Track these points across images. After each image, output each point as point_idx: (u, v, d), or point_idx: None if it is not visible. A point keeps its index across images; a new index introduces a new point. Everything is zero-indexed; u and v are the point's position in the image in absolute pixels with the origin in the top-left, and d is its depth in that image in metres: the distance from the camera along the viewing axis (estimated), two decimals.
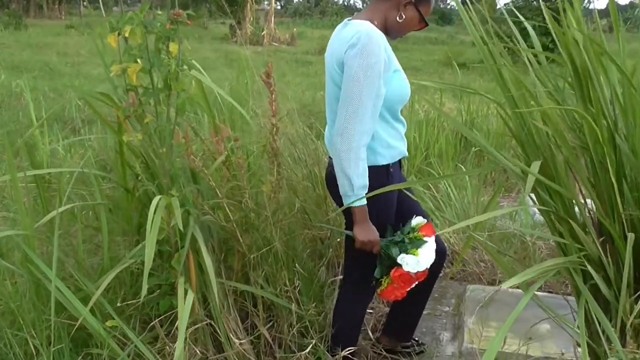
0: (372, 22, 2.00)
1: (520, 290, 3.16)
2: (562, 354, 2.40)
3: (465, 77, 13.02)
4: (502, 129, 5.28)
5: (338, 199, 2.09)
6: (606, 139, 1.61)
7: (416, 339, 2.67)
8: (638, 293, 1.73)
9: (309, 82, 10.82)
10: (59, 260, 2.06)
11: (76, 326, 1.92)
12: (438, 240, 2.30)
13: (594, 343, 1.94)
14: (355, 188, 1.94)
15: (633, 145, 1.69)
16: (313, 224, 2.80)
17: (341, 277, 2.57)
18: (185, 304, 1.88)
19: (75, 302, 1.89)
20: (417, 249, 2.04)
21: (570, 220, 1.73)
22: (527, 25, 2.14)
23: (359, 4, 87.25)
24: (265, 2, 32.87)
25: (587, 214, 1.81)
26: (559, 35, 1.71)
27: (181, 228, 1.89)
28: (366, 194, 1.96)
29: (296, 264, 2.54)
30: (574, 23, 1.83)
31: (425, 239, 2.07)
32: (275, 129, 2.48)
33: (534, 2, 18.15)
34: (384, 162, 2.07)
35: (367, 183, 1.96)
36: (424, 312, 2.96)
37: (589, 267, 1.66)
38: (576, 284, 1.78)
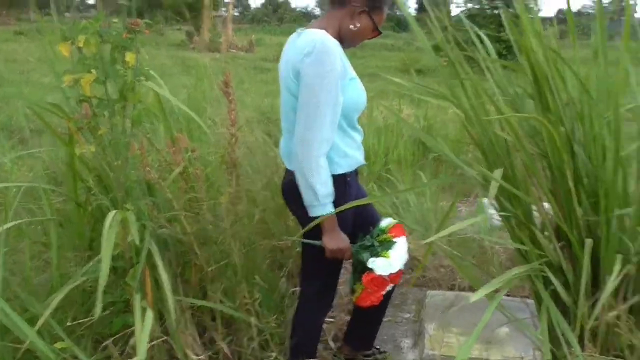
0: (326, 30, 1.98)
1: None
2: (522, 357, 2.42)
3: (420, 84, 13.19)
4: (460, 135, 5.35)
5: (296, 209, 2.07)
6: (564, 145, 1.62)
7: (377, 347, 2.65)
8: (595, 297, 1.75)
9: (268, 89, 10.75)
10: (4, 279, 1.97)
11: (22, 349, 1.83)
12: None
13: (553, 347, 1.96)
14: (321, 197, 1.92)
15: (589, 152, 1.71)
16: (274, 235, 2.77)
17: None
18: (145, 322, 1.81)
19: (22, 323, 1.80)
20: (387, 251, 2.02)
21: (532, 227, 1.74)
22: (481, 33, 2.15)
23: (317, 11, 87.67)
24: (223, 9, 32.72)
25: (547, 220, 1.83)
26: (518, 42, 1.72)
27: (137, 243, 1.83)
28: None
29: (256, 276, 2.50)
30: (530, 30, 1.84)
31: (394, 239, 2.06)
32: (234, 139, 2.44)
33: (487, 10, 18.54)
34: (341, 172, 2.05)
35: (332, 191, 1.95)
36: (385, 320, 2.95)
37: (549, 274, 1.67)
38: (537, 289, 1.80)
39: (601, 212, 1.68)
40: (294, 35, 2.08)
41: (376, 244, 2.04)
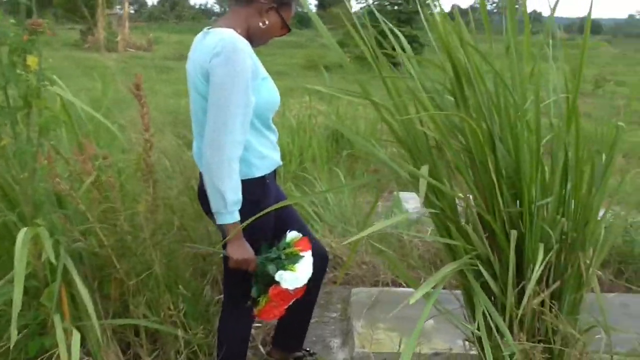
0: (234, 29, 1.91)
1: (403, 289, 3.25)
2: (450, 349, 2.47)
3: (329, 80, 13.31)
4: (371, 131, 5.44)
5: (210, 214, 2.01)
6: (486, 141, 1.66)
7: (307, 349, 2.63)
8: (520, 286, 1.81)
9: (172, 89, 10.47)
10: None
11: None
12: (319, 245, 2.29)
13: (482, 337, 2.01)
14: (229, 204, 1.85)
15: (508, 145, 1.76)
16: (193, 242, 2.67)
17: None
18: (73, 344, 1.68)
19: None
20: (294, 265, 1.99)
21: (460, 221, 1.77)
22: (396, 30, 2.16)
23: (216, 8, 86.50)
24: (118, 7, 31.48)
25: (471, 214, 1.86)
26: (439, 39, 1.74)
27: (53, 261, 1.69)
28: (244, 208, 1.89)
29: (179, 286, 2.40)
30: (440, 26, 1.86)
31: (301, 253, 2.02)
32: (149, 144, 2.33)
33: (387, 6, 18.98)
34: (259, 174, 1.99)
35: (241, 198, 1.88)
36: (312, 321, 2.94)
37: (481, 267, 1.71)
38: (466, 282, 1.83)
39: (524, 203, 1.73)
40: (200, 35, 2.00)
41: (283, 256, 1.99)
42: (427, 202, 1.96)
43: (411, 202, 4.46)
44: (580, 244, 1.77)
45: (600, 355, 1.82)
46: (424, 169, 1.73)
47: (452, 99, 1.86)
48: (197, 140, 2.04)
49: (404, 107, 1.91)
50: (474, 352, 2.12)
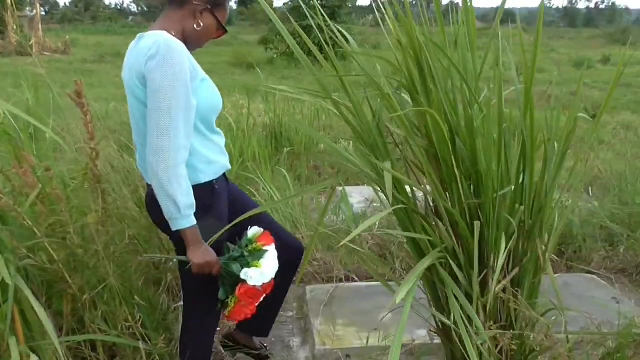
0: (168, 32, 1.86)
1: (356, 283, 3.28)
2: (414, 340, 2.51)
3: (256, 77, 13.23)
4: (311, 126, 5.47)
5: (160, 224, 1.96)
6: (448, 135, 1.69)
7: (265, 345, 2.60)
8: (483, 274, 1.86)
9: (95, 93, 10.12)
10: None
11: None
12: (291, 238, 2.31)
13: (444, 327, 2.06)
14: (182, 208, 1.79)
15: (466, 138, 1.80)
16: (145, 252, 2.60)
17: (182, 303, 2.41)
18: None
19: None
20: (258, 261, 1.95)
21: (427, 216, 1.80)
22: (343, 30, 2.17)
23: (133, 8, 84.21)
24: (28, 9, 30.10)
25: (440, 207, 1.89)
26: (401, 34, 1.76)
27: (9, 282, 1.60)
28: (196, 215, 1.85)
29: (135, 296, 2.33)
30: (391, 23, 1.88)
31: (265, 248, 2.00)
32: (95, 153, 2.24)
33: (311, 1, 19.04)
34: (207, 179, 1.94)
35: (194, 201, 1.83)
36: None
37: (450, 259, 1.74)
38: (433, 274, 1.87)
39: (485, 194, 1.77)
40: (134, 41, 1.93)
41: (246, 254, 1.96)
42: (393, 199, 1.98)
43: (355, 196, 4.51)
44: (537, 230, 1.84)
45: (560, 336, 1.90)
46: (387, 165, 1.75)
47: (408, 94, 1.90)
48: (140, 151, 1.96)
49: (359, 104, 1.93)
50: (437, 341, 2.18)
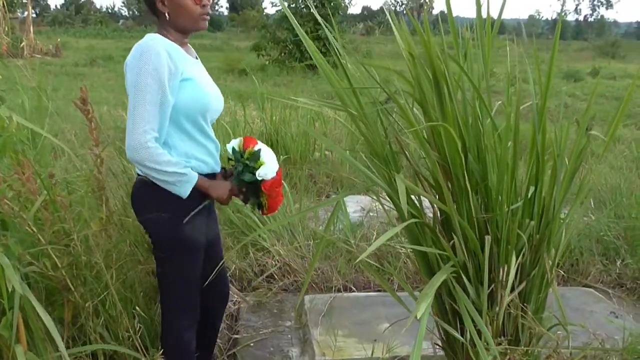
0: (160, 33, 1.97)
1: (355, 294, 3.28)
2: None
3: (249, 84, 13.20)
4: (303, 133, 5.47)
5: (144, 214, 2.01)
6: (462, 150, 1.70)
7: None
8: (491, 288, 1.86)
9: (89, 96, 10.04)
10: None
11: None
12: (223, 282, 2.34)
13: (449, 339, 2.07)
14: (178, 168, 1.89)
15: (475, 154, 1.81)
16: (144, 259, 2.57)
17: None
18: None
19: None
20: (259, 160, 2.07)
21: (442, 230, 1.81)
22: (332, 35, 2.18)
23: (124, 11, 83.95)
24: (19, 10, 29.93)
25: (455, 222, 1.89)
26: (407, 45, 1.76)
27: (20, 290, 1.59)
28: (179, 211, 1.95)
29: (136, 306, 2.32)
30: (400, 34, 1.88)
31: (256, 148, 2.10)
32: (99, 160, 2.23)
33: (304, 9, 19.07)
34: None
35: (179, 159, 1.93)
36: (267, 330, 2.93)
37: (462, 274, 1.75)
38: (447, 288, 1.87)
39: (495, 209, 1.78)
40: None
41: (247, 162, 2.08)
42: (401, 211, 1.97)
43: (351, 205, 4.51)
44: (545, 244, 1.85)
45: (565, 351, 1.90)
46: (399, 179, 1.75)
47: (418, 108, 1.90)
48: None
49: (373, 117, 1.93)
50: (440, 353, 2.18)
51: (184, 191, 1.92)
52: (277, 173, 2.09)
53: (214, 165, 2.09)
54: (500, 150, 1.72)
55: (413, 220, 1.85)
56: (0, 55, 18.81)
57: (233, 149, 2.13)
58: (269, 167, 2.06)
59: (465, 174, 1.72)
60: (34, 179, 2.14)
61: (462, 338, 1.73)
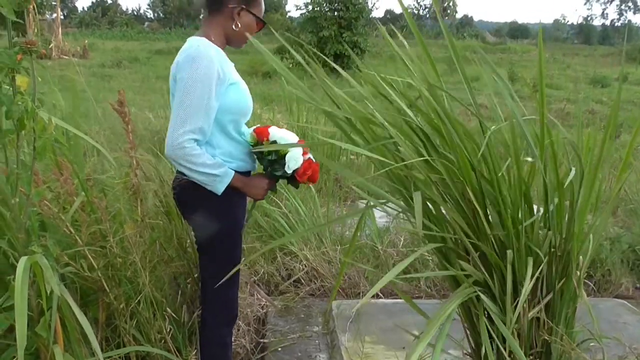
0: (208, 38, 2.01)
1: (383, 300, 3.27)
2: None
3: (272, 86, 13.26)
4: (333, 138, 5.46)
5: (192, 212, 2.10)
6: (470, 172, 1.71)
7: None
8: (516, 302, 1.84)
9: (115, 97, 10.15)
10: None
11: None
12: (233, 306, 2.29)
13: (479, 350, 2.05)
14: (216, 167, 1.95)
15: (490, 177, 1.80)
16: (172, 260, 2.60)
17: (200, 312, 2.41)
18: None
19: None
20: (280, 150, 2.09)
21: (460, 251, 1.80)
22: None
23: (150, 14, 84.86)
24: (48, 13, 30.42)
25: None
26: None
27: (57, 292, 1.62)
28: (213, 207, 2.02)
29: (167, 308, 2.34)
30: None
31: (271, 138, 2.10)
32: (136, 163, 2.26)
33: (328, 12, 19.11)
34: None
35: (218, 160, 1.99)
36: (295, 335, 2.93)
37: (480, 294, 1.74)
38: (471, 304, 1.87)
39: (507, 227, 1.77)
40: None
41: (272, 156, 2.11)
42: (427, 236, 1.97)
43: (377, 210, 4.48)
44: (570, 255, 1.83)
45: None
46: (418, 197, 1.75)
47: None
48: None
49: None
50: None
51: (217, 189, 1.98)
52: (304, 155, 2.10)
53: (253, 162, 2.17)
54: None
55: (431, 245, 1.86)
56: (40, 57, 19.21)
57: (249, 144, 2.14)
58: (293, 155, 2.08)
59: (472, 195, 1.72)
60: (71, 180, 2.18)
61: (489, 349, 1.71)
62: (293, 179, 2.14)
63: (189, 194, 2.06)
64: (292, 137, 2.12)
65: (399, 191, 1.92)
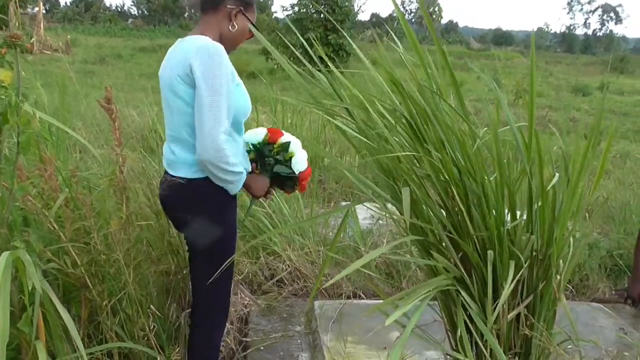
0: (209, 37, 1.99)
1: (365, 301, 3.29)
2: None
3: (257, 87, 13.21)
4: (315, 138, 5.50)
5: (197, 213, 2.04)
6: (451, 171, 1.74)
7: None
8: (497, 302, 1.87)
9: (98, 94, 10.08)
10: None
11: None
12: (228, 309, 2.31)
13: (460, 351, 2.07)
14: (240, 167, 1.98)
15: (467, 173, 1.83)
16: (158, 259, 2.59)
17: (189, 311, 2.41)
18: None
19: None
20: (288, 152, 2.14)
21: (441, 246, 1.82)
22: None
23: (134, 10, 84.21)
24: (30, 6, 30.05)
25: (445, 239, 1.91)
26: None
27: (39, 288, 1.61)
28: (214, 209, 2.03)
29: (151, 305, 2.34)
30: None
31: (282, 139, 2.16)
32: (122, 160, 2.26)
33: (314, 15, 19.13)
34: None
35: (238, 160, 1.99)
36: (277, 334, 2.94)
37: (458, 287, 1.77)
38: (448, 299, 1.89)
39: (491, 227, 1.80)
40: (173, 47, 2.08)
41: (278, 157, 2.14)
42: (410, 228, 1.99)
43: (361, 212, 4.51)
44: (551, 259, 1.86)
45: None
46: (405, 192, 1.78)
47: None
48: (171, 144, 2.07)
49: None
50: None
51: (238, 188, 2.01)
52: (307, 164, 2.18)
53: (247, 165, 2.17)
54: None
55: (413, 237, 1.89)
56: (28, 52, 18.94)
57: (259, 144, 2.18)
58: (300, 157, 2.13)
59: (456, 194, 1.75)
60: (55, 176, 2.17)
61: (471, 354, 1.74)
62: (289, 184, 2.18)
63: (187, 199, 2.04)
64: (303, 150, 2.18)
65: (388, 185, 1.95)
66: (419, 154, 1.80)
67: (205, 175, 1.98)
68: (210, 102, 1.87)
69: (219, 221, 2.04)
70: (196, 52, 1.90)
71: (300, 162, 2.13)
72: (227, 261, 2.01)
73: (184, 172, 2.02)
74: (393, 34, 2.19)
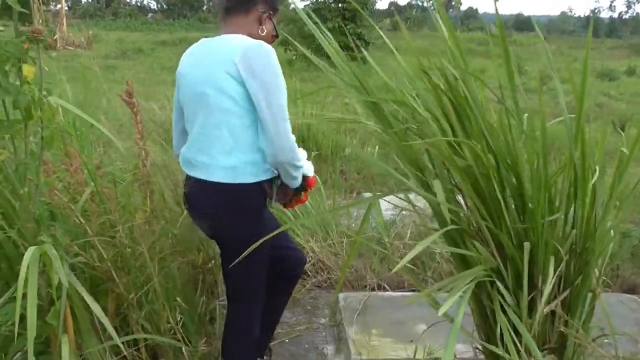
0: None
1: (390, 293, 3.26)
2: (455, 356, 2.48)
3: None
4: (337, 130, 5.48)
5: (235, 221, 2.00)
6: (490, 163, 1.69)
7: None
8: (532, 295, 1.83)
9: (120, 88, 10.14)
10: None
11: None
12: (292, 249, 2.37)
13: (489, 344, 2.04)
14: (301, 166, 2.02)
15: (507, 165, 1.79)
16: (185, 252, 2.59)
17: (221, 300, 2.41)
18: None
19: None
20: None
21: (476, 237, 1.79)
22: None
23: (153, 5, 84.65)
24: (52, 3, 30.38)
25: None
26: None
27: (65, 282, 1.61)
28: (256, 211, 2.01)
29: (177, 298, 2.34)
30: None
31: None
32: (145, 154, 2.25)
33: (332, 4, 19.01)
34: (267, 177, 2.01)
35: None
36: (302, 327, 2.93)
37: (496, 279, 1.73)
38: (480, 291, 1.86)
39: (531, 220, 1.75)
40: (200, 44, 2.04)
41: None
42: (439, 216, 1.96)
43: (383, 203, 4.47)
44: (590, 254, 1.82)
45: None
46: (437, 184, 1.75)
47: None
48: (200, 145, 1.99)
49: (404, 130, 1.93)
50: (482, 357, 2.16)
51: (299, 182, 2.06)
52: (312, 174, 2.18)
53: None
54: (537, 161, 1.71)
55: (451, 227, 1.83)
56: (50, 48, 19.21)
57: None
58: (308, 167, 2.11)
59: (496, 186, 1.71)
60: (81, 170, 2.18)
61: (501, 351, 1.70)
62: (303, 188, 2.16)
63: (228, 205, 1.98)
64: (305, 154, 2.15)
65: (414, 175, 1.92)
66: (466, 140, 1.75)
67: (244, 180, 1.94)
68: (280, 102, 1.87)
69: (258, 220, 2.02)
70: (253, 51, 1.86)
71: (309, 170, 2.13)
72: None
73: (221, 177, 1.94)
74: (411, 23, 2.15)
